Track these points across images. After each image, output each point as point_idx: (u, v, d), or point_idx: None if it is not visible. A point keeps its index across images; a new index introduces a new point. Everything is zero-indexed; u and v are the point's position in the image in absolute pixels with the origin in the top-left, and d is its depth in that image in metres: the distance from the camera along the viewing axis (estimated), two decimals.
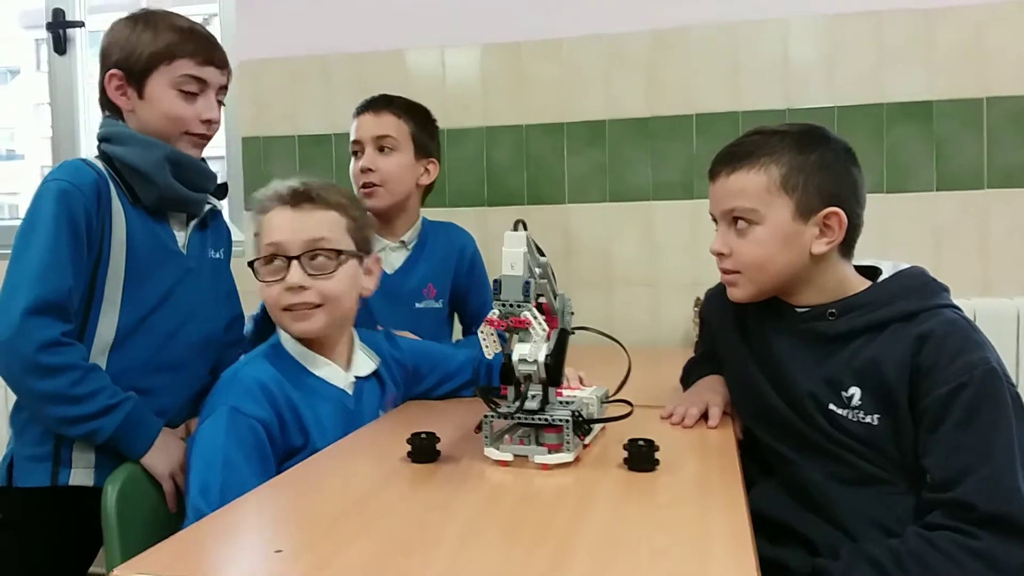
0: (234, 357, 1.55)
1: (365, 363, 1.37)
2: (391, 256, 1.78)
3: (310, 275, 1.25)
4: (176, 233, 1.42)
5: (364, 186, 1.73)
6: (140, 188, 1.34)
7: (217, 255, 1.53)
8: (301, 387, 1.25)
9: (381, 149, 1.75)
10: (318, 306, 1.26)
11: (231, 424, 1.13)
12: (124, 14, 1.41)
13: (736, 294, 1.26)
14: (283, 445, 1.18)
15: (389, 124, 1.76)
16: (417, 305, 1.77)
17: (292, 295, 1.25)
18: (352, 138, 1.78)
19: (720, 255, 1.25)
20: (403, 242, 1.80)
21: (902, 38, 2.02)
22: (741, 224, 1.21)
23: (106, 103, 1.41)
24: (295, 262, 1.25)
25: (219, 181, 1.51)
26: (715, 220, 1.28)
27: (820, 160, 1.18)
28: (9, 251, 1.27)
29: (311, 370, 1.29)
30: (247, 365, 1.25)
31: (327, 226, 1.28)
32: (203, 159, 1.49)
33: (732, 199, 1.21)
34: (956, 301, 1.19)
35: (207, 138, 1.44)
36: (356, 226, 1.33)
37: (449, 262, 1.85)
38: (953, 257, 2.02)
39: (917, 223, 2.03)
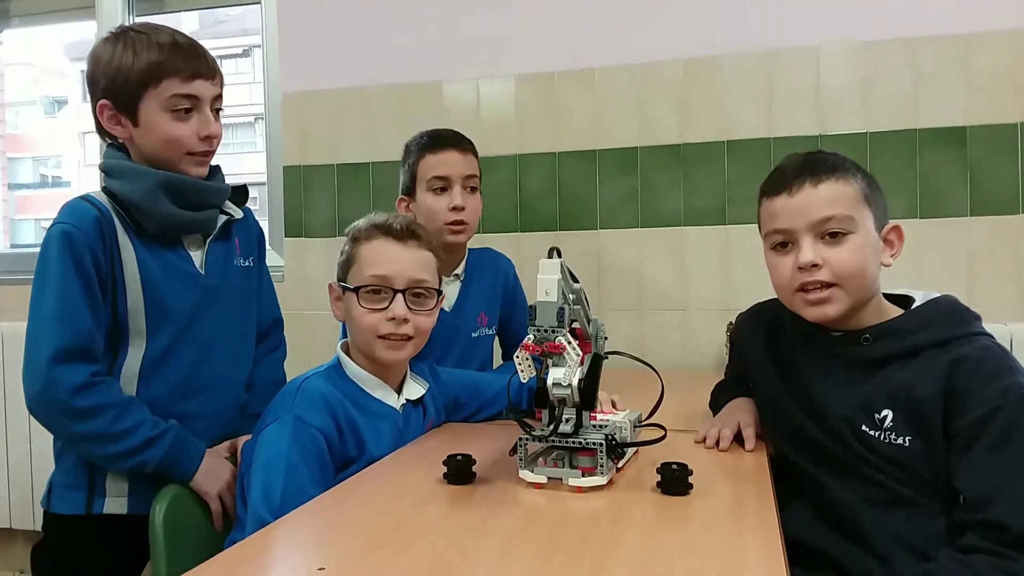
0: (275, 363, 1.58)
1: (415, 389, 1.41)
2: (447, 290, 1.77)
3: (410, 309, 1.32)
4: (192, 254, 1.38)
5: (455, 223, 1.71)
6: (140, 219, 1.31)
7: (247, 263, 1.49)
8: (358, 405, 1.30)
9: (469, 188, 1.76)
10: (410, 338, 1.33)
11: (295, 432, 1.18)
12: None
13: (830, 311, 1.19)
14: (340, 455, 1.23)
15: (474, 164, 1.79)
16: (473, 335, 1.79)
17: (393, 325, 1.31)
18: (436, 173, 1.72)
19: (814, 266, 1.18)
20: (456, 275, 1.80)
21: (937, 64, 2.02)
22: (834, 233, 1.18)
23: (103, 131, 1.37)
24: (400, 295, 1.32)
25: (238, 185, 1.48)
26: (780, 237, 1.23)
27: (874, 180, 1.23)
28: None
29: (368, 391, 1.34)
30: (309, 379, 1.30)
31: (427, 265, 1.37)
32: (214, 168, 1.43)
33: (826, 207, 1.18)
34: (991, 326, 1.20)
35: (210, 154, 1.38)
36: (439, 266, 1.41)
37: (497, 289, 1.87)
38: (987, 282, 2.00)
39: (951, 248, 2.02)
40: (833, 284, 1.18)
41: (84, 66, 1.37)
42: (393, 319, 1.31)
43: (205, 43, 1.40)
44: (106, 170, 1.35)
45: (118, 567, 1.37)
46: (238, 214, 1.47)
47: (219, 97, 1.38)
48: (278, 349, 1.61)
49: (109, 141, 1.39)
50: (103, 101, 1.33)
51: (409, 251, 1.35)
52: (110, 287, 1.28)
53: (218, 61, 1.41)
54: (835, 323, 1.23)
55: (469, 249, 1.87)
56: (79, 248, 1.25)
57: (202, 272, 1.39)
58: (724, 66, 2.15)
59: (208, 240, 1.40)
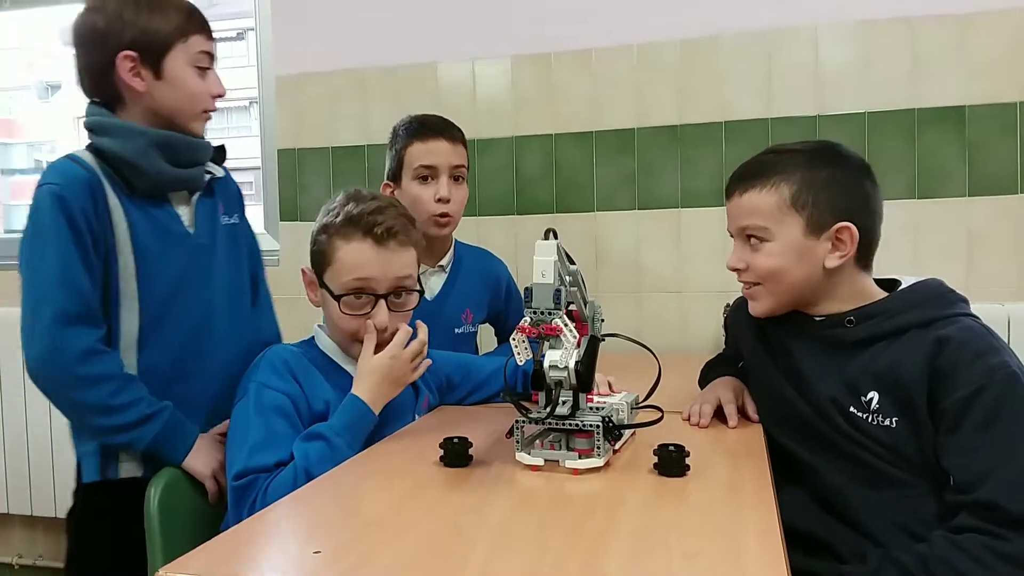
0: (267, 326, 1.59)
1: None
2: (431, 281, 1.76)
3: (391, 311, 1.30)
4: (180, 212, 1.37)
5: (441, 215, 1.69)
6: (132, 177, 1.30)
7: (232, 220, 1.48)
8: (325, 371, 1.30)
9: (456, 178, 1.73)
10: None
11: (258, 398, 1.20)
12: None
13: (756, 307, 1.30)
14: (308, 415, 1.24)
15: (463, 154, 1.76)
16: (456, 331, 1.77)
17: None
18: (423, 162, 1.70)
19: (736, 270, 1.29)
20: (441, 266, 1.79)
21: (936, 44, 2.01)
22: (754, 240, 1.25)
23: (95, 89, 1.35)
24: (382, 301, 1.29)
25: (216, 145, 1.47)
26: (732, 235, 1.31)
27: (830, 177, 1.22)
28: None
29: (341, 365, 1.34)
30: (274, 347, 1.30)
31: (408, 264, 1.32)
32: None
33: (745, 217, 1.25)
34: (989, 306, 1.20)
35: (213, 112, 1.41)
36: (419, 256, 1.37)
37: (485, 292, 1.86)
38: (986, 262, 1.99)
39: (949, 229, 2.01)
40: (757, 283, 1.27)
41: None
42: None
43: None
44: (93, 127, 1.33)
45: (138, 530, 1.37)
46: (219, 172, 1.47)
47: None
48: (266, 309, 1.61)
49: (94, 100, 1.37)
50: (128, 52, 1.30)
51: (392, 254, 1.29)
52: (102, 249, 1.27)
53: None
54: (812, 310, 1.26)
55: (462, 244, 1.86)
56: (72, 208, 1.23)
57: (191, 231, 1.38)
58: (722, 46, 2.14)
59: (195, 197, 1.39)
